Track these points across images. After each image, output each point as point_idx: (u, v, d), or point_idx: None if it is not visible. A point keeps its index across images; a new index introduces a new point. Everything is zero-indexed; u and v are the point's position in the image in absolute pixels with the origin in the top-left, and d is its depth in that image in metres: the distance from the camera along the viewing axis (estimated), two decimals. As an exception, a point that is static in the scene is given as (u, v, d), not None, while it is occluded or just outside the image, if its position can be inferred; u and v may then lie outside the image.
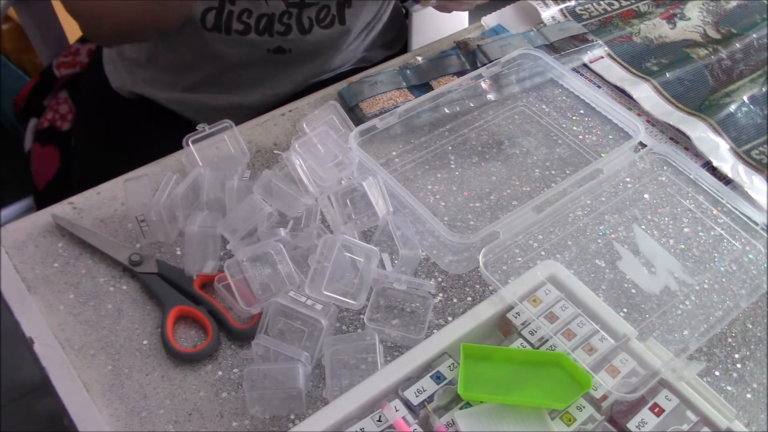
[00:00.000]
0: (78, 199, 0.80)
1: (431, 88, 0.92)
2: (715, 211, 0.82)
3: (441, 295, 0.75)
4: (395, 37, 1.17)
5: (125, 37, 1.00)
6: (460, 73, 0.94)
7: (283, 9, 0.96)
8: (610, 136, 0.91)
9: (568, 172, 0.86)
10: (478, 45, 0.97)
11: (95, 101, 1.14)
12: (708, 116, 0.93)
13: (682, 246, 0.79)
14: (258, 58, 1.01)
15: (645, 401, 0.63)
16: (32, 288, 0.73)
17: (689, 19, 1.06)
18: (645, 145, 0.84)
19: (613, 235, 0.79)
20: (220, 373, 0.69)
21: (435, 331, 0.67)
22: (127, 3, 0.87)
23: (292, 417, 0.66)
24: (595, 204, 0.82)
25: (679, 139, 0.91)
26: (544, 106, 0.94)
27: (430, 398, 0.62)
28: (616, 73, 0.98)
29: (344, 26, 1.02)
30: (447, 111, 0.90)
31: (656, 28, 1.05)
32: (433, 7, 0.96)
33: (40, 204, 1.17)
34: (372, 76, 0.93)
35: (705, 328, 0.72)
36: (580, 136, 0.90)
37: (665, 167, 0.85)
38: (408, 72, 0.94)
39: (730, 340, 0.74)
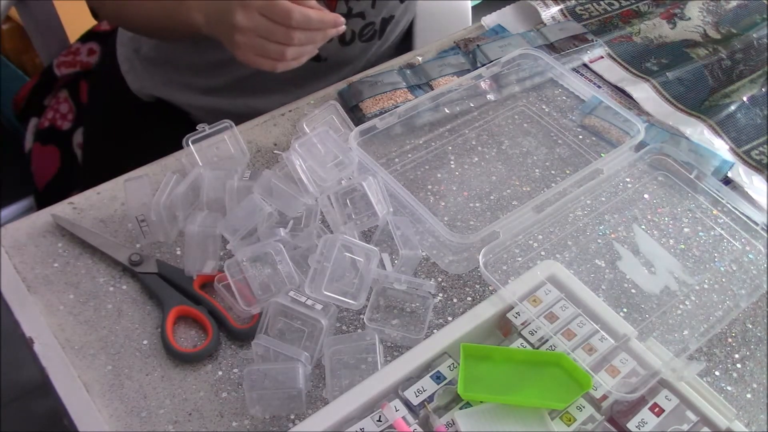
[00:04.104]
0: (78, 199, 0.80)
1: (431, 88, 0.92)
2: (715, 211, 0.82)
3: (441, 295, 0.75)
4: (405, 40, 1.16)
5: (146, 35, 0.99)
6: (460, 73, 0.94)
7: None
8: (610, 136, 0.91)
9: (568, 172, 0.86)
10: (478, 45, 0.97)
11: (106, 99, 1.13)
12: (708, 117, 0.93)
13: (682, 246, 0.79)
14: None
15: (645, 401, 0.63)
16: (32, 288, 0.73)
17: (689, 19, 1.06)
18: (645, 145, 0.84)
19: (613, 235, 0.79)
20: (220, 373, 0.69)
21: (435, 331, 0.67)
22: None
23: (292, 417, 0.66)
24: (595, 204, 0.82)
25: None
26: (544, 106, 0.94)
27: (430, 398, 0.62)
28: (616, 73, 0.98)
29: (381, 40, 1.02)
30: (447, 111, 0.90)
31: (656, 28, 1.04)
32: None
33: (41, 204, 1.17)
34: (372, 76, 0.93)
35: (705, 328, 0.72)
36: (580, 136, 0.91)
37: (665, 167, 0.85)
38: (408, 72, 0.94)
39: (730, 340, 0.74)
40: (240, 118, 0.87)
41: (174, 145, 0.84)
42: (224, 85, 1.02)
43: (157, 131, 1.06)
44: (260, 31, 0.78)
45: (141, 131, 1.08)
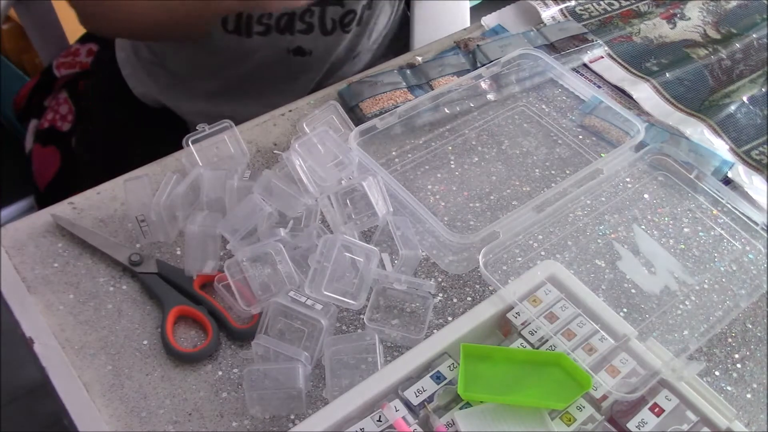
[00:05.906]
0: (78, 199, 0.80)
1: (431, 88, 0.92)
2: (715, 211, 0.82)
3: (441, 295, 0.75)
4: (403, 46, 1.17)
5: (135, 36, 0.99)
6: (460, 73, 0.94)
7: (304, 7, 0.96)
8: (610, 136, 0.91)
9: (568, 172, 0.86)
10: (478, 45, 0.97)
11: (104, 101, 1.13)
12: (708, 117, 0.93)
13: (682, 246, 0.79)
14: (277, 60, 1.00)
15: (645, 401, 0.63)
16: (32, 288, 0.73)
17: (689, 19, 1.06)
18: (645, 145, 0.84)
19: (613, 235, 0.79)
20: (220, 373, 0.69)
21: (435, 331, 0.67)
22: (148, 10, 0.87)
23: (292, 417, 0.66)
24: (595, 204, 0.82)
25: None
26: (544, 106, 0.94)
27: (430, 398, 0.62)
28: (616, 73, 0.98)
29: (361, 28, 1.03)
30: (447, 111, 0.90)
31: (656, 28, 1.05)
32: None
33: (42, 204, 1.17)
34: (372, 76, 0.93)
35: (705, 328, 0.72)
36: (580, 136, 0.91)
37: (665, 167, 0.85)
38: (408, 72, 0.94)
39: (730, 340, 0.74)
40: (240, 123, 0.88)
41: (172, 148, 0.84)
42: (220, 89, 1.02)
43: (156, 134, 1.06)
44: None
45: (140, 133, 1.08)
